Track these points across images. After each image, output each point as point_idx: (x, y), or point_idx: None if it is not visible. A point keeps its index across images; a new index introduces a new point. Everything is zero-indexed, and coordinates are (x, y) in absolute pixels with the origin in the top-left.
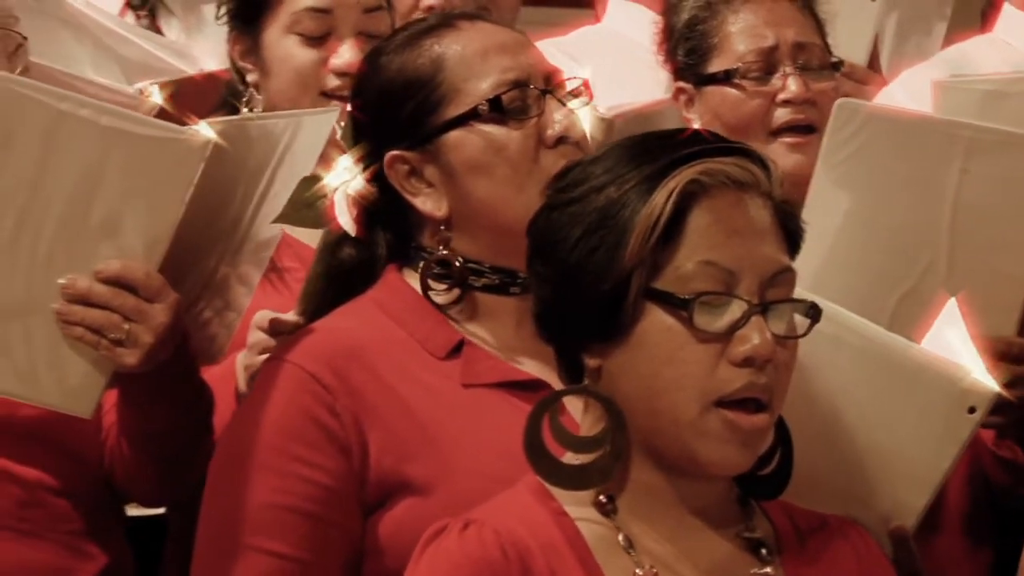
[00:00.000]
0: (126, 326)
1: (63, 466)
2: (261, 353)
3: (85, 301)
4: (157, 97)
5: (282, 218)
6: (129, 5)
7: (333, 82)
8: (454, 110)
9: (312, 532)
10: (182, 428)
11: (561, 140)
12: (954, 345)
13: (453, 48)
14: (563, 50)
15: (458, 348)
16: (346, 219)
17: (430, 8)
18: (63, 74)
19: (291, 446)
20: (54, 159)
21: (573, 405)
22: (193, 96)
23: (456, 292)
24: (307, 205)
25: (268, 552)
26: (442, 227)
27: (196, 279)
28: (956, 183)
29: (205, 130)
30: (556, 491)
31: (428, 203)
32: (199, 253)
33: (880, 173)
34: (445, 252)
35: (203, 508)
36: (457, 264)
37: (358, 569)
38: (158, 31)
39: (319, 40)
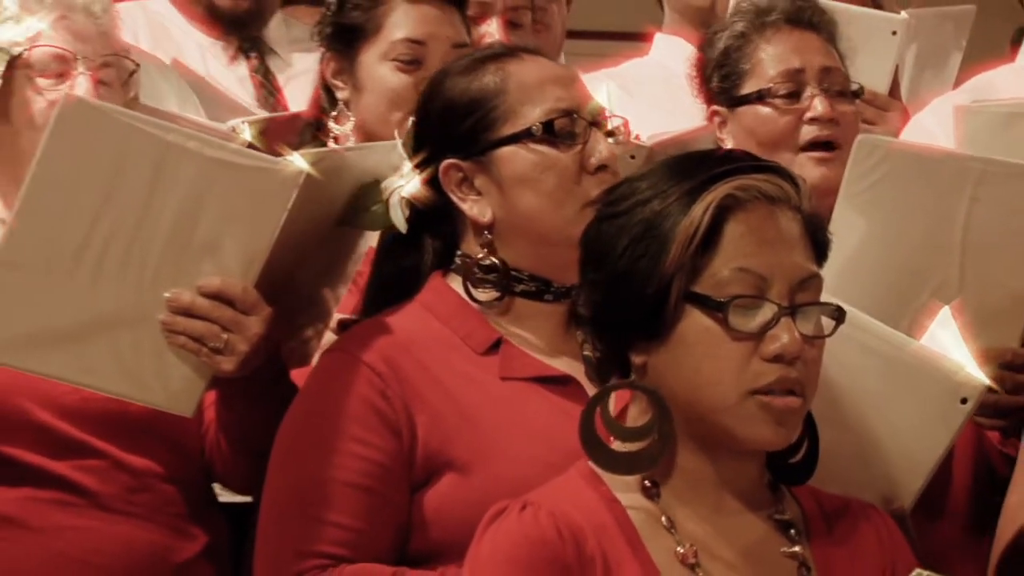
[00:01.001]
0: (224, 336)
1: (169, 456)
2: None
3: (188, 313)
4: (247, 134)
5: (343, 221)
6: (240, 49)
7: None
8: (510, 128)
9: (367, 504)
10: (273, 425)
11: (601, 168)
12: (948, 344)
13: (515, 75)
14: (614, 80)
15: (496, 345)
16: (400, 220)
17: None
18: (163, 113)
19: (349, 427)
20: (162, 185)
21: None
22: (279, 133)
23: (496, 292)
24: (365, 208)
25: (328, 522)
26: (486, 232)
27: (291, 292)
28: (967, 210)
29: (299, 161)
30: (605, 476)
31: (475, 208)
32: (294, 268)
33: (897, 201)
34: (492, 259)
35: (268, 482)
36: (500, 264)
37: (406, 541)
38: (268, 71)
39: (412, 67)
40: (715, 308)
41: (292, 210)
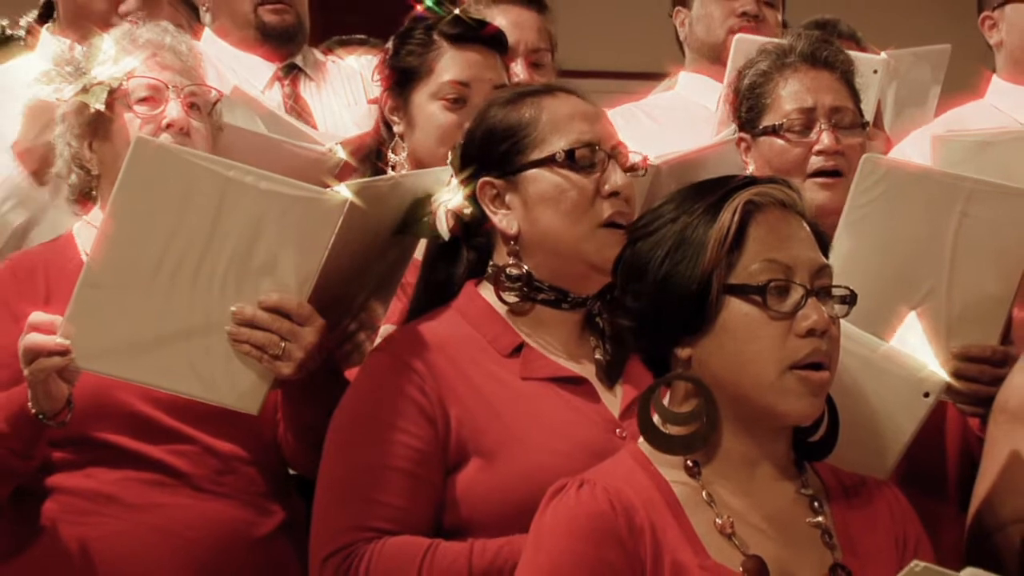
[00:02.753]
0: (283, 344)
1: (250, 442)
2: None
3: (251, 324)
4: (342, 153)
5: (399, 230)
6: (277, 77)
7: None
8: (538, 154)
9: (409, 485)
10: (330, 418)
11: (614, 194)
12: (915, 345)
13: (547, 109)
14: (643, 109)
15: (519, 349)
16: (444, 229)
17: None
18: (254, 135)
19: (393, 419)
20: (225, 215)
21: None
22: (365, 152)
23: (520, 295)
24: (417, 219)
25: (377, 501)
26: (513, 242)
27: (345, 303)
28: (956, 224)
29: (344, 191)
30: (653, 457)
31: (504, 221)
32: (346, 282)
33: (895, 215)
34: (521, 267)
35: (323, 466)
36: (526, 273)
37: (440, 518)
38: (298, 95)
39: (458, 105)
40: (755, 292)
41: (339, 234)
